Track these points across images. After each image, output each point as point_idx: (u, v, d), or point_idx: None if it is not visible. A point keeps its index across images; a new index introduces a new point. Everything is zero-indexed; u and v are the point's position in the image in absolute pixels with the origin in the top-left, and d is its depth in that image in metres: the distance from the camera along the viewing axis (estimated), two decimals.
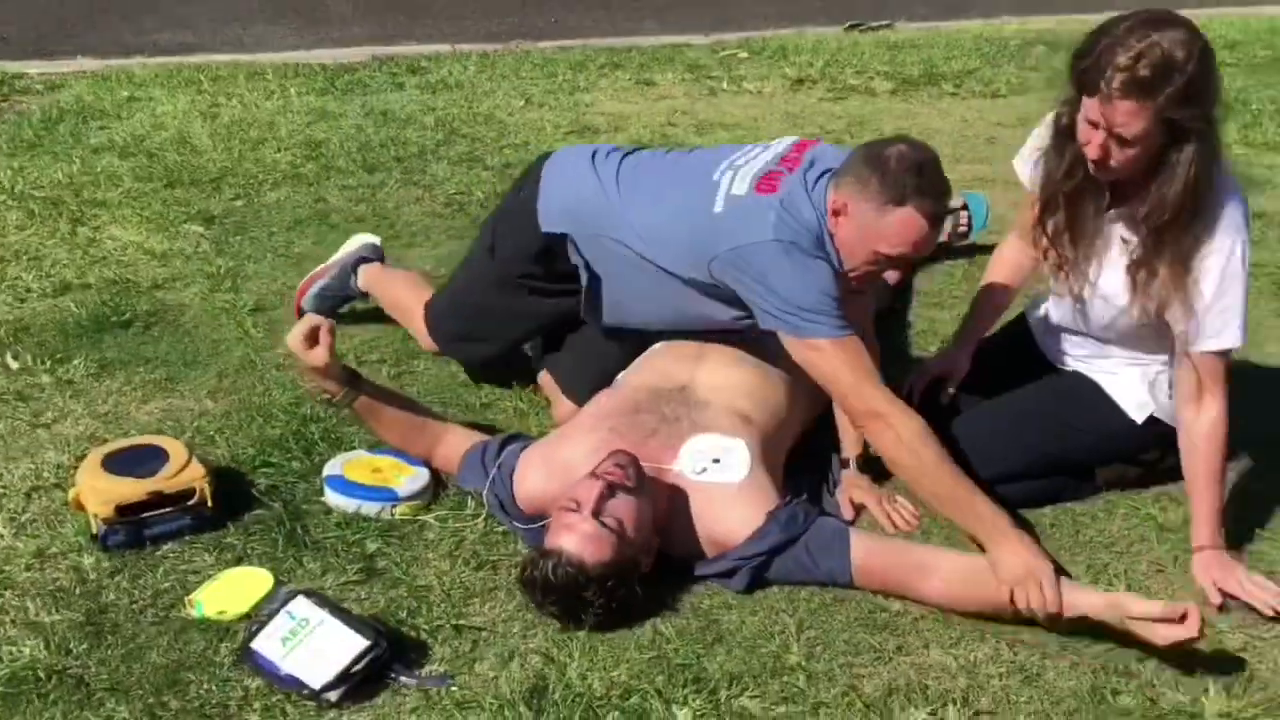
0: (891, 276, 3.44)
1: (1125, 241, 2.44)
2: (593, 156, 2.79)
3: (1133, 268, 2.41)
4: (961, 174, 4.58)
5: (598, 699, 2.07)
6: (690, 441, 2.45)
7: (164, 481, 2.48)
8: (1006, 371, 2.74)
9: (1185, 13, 2.25)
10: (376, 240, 3.39)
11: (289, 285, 3.58)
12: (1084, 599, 2.19)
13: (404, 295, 3.21)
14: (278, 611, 2.18)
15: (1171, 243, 2.33)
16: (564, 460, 2.47)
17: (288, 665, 2.10)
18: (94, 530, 2.44)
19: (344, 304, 3.35)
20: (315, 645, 2.12)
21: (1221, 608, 2.31)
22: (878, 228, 2.35)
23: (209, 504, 2.51)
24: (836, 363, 2.37)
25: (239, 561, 2.44)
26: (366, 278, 3.27)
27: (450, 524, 2.55)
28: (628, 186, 2.69)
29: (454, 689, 2.11)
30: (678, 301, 2.62)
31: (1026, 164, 2.63)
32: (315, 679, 2.08)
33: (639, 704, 2.06)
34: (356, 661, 2.09)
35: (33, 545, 2.46)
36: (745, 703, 2.09)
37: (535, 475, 2.49)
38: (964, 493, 2.30)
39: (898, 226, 2.34)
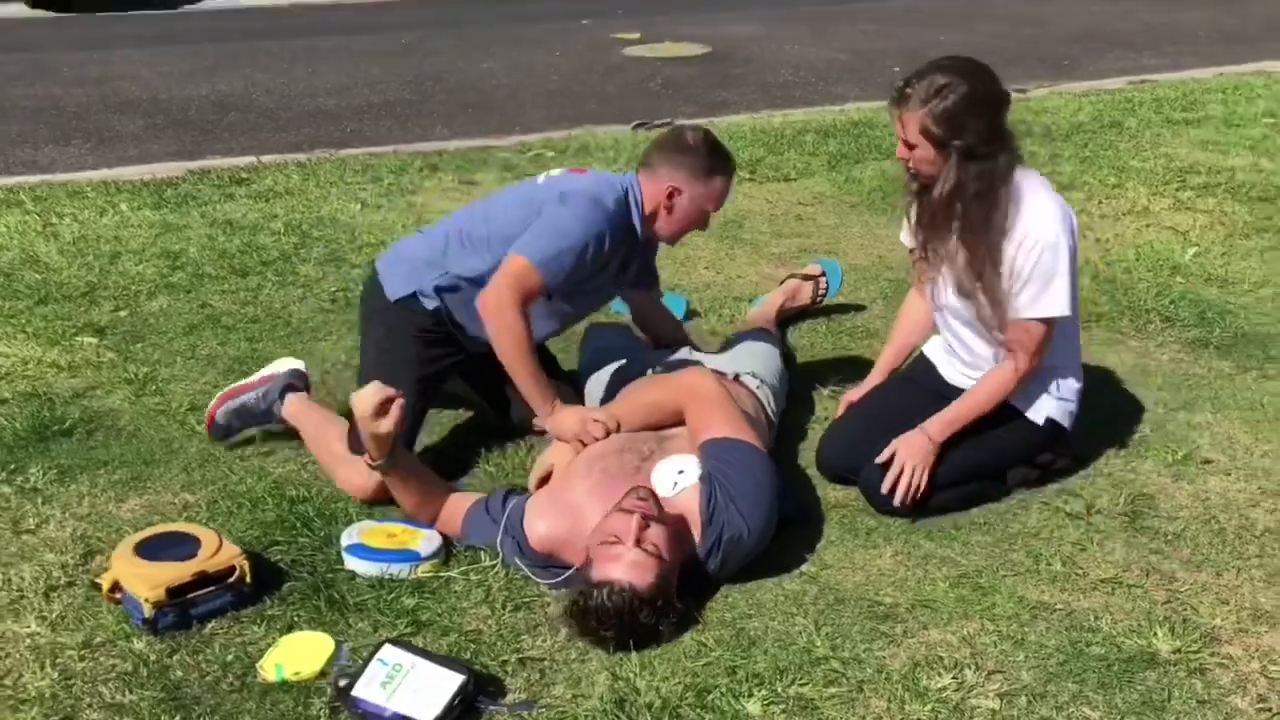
0: None
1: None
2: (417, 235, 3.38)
3: (959, 282, 2.95)
4: (787, 246, 5.10)
5: (676, 703, 2.35)
6: (655, 469, 2.80)
7: (206, 561, 2.61)
8: (924, 401, 3.18)
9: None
10: (301, 365, 3.46)
11: (213, 384, 3.70)
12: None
13: (334, 443, 3.17)
14: (369, 661, 2.36)
15: (978, 247, 2.89)
16: (570, 502, 2.76)
17: (394, 706, 2.28)
18: (146, 615, 2.53)
19: (260, 426, 3.38)
20: (414, 686, 2.32)
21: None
22: (705, 194, 3.15)
23: (248, 580, 2.65)
24: (510, 272, 2.98)
25: (290, 628, 2.58)
26: (292, 409, 3.32)
27: (472, 576, 2.77)
28: (454, 225, 3.25)
29: (541, 712, 2.33)
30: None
31: (905, 228, 3.15)
32: (424, 715, 2.27)
33: (715, 701, 2.35)
34: (457, 695, 2.30)
35: (77, 638, 2.54)
36: (799, 690, 2.41)
37: (545, 519, 2.76)
38: (527, 372, 3.01)
39: (718, 189, 3.17)
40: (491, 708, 2.35)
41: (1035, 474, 3.17)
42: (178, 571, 2.57)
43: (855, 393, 3.35)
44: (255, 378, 3.42)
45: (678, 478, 2.74)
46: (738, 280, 4.74)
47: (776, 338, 3.77)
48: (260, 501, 3.06)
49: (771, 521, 2.71)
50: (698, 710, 2.33)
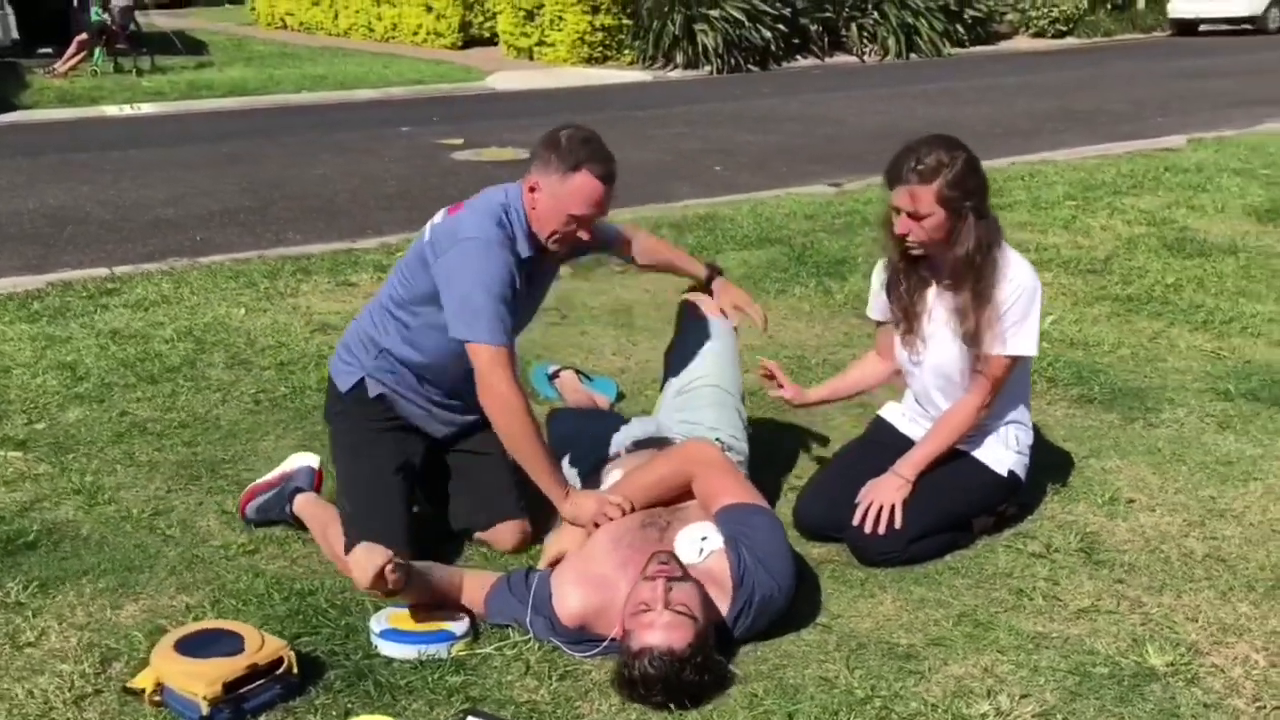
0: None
1: (951, 313, 3.27)
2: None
3: (970, 336, 3.23)
4: None
5: None
6: (678, 538, 2.95)
7: (255, 655, 2.60)
8: (895, 459, 3.42)
9: None
10: (314, 461, 3.49)
11: (165, 490, 3.66)
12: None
13: (336, 544, 3.16)
14: None
15: (979, 297, 3.18)
16: (599, 575, 2.87)
17: None
18: (204, 713, 2.51)
19: (279, 524, 3.42)
20: None
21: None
22: (565, 193, 2.96)
23: (294, 671, 2.65)
24: (478, 360, 3.00)
25: (346, 714, 2.60)
26: (300, 508, 3.36)
27: (507, 651, 2.84)
28: (376, 300, 3.36)
29: None
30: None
31: (873, 304, 3.43)
32: None
33: None
34: None
35: None
36: None
37: (575, 593, 2.85)
38: (537, 458, 3.04)
39: (579, 188, 2.95)
40: None
41: (992, 521, 3.44)
42: (231, 666, 2.55)
43: (791, 390, 3.61)
44: (273, 475, 3.47)
45: (702, 544, 2.88)
46: (649, 364, 4.92)
47: (724, 330, 3.67)
48: (265, 597, 3.05)
49: (794, 579, 2.88)
50: None
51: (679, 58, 17.76)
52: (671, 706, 2.60)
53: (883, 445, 3.49)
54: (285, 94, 14.57)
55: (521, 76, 16.72)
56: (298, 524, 3.36)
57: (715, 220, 7.46)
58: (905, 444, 3.46)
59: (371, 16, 22.65)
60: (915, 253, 3.22)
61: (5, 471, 3.82)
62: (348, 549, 3.02)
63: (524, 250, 3.09)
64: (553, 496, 3.08)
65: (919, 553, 3.24)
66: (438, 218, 3.21)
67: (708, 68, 17.67)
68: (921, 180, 3.09)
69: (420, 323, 3.17)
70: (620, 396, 4.46)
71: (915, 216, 3.13)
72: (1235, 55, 19.30)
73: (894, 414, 3.58)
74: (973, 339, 3.21)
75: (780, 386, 3.58)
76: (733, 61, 17.79)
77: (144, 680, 2.64)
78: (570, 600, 2.83)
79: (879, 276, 3.45)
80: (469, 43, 20.68)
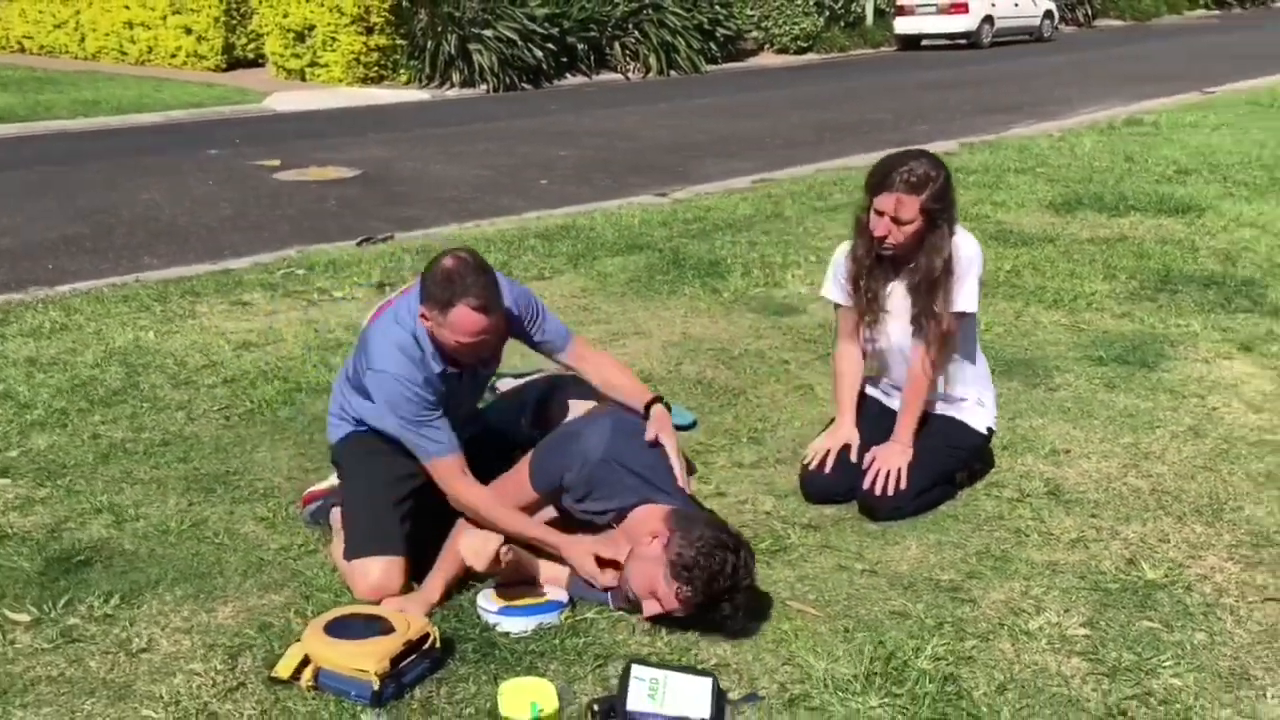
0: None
1: (905, 298, 3.68)
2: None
3: (915, 317, 3.64)
4: (594, 332, 5.63)
5: (862, 676, 2.85)
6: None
7: (411, 632, 2.79)
8: (886, 428, 3.85)
9: None
10: None
11: (185, 504, 3.74)
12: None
13: (337, 548, 3.34)
14: (626, 683, 2.68)
15: (937, 289, 3.61)
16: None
17: (669, 711, 2.62)
18: (375, 687, 2.69)
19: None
20: (675, 692, 2.66)
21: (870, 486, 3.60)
22: (448, 325, 3.07)
23: (439, 645, 2.86)
24: (435, 471, 3.22)
25: (496, 680, 2.83)
26: (335, 518, 3.50)
27: (607, 614, 3.11)
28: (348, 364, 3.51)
29: (769, 700, 2.75)
30: None
31: (834, 288, 3.83)
32: (700, 712, 2.63)
33: (906, 661, 2.87)
34: (714, 693, 2.68)
35: None
36: (953, 646, 2.97)
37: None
38: (522, 527, 3.16)
39: (458, 322, 3.05)
40: (728, 705, 2.72)
41: (965, 475, 3.91)
42: (391, 644, 2.73)
43: (829, 439, 3.86)
44: (323, 485, 3.60)
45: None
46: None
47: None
48: (348, 589, 3.20)
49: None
50: (912, 666, 2.82)
51: (455, 77, 17.96)
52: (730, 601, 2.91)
53: (873, 417, 3.90)
54: (61, 120, 13.99)
55: (300, 97, 16.54)
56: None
57: (576, 230, 7.77)
58: (889, 414, 3.88)
59: (124, 39, 21.79)
60: (887, 252, 3.64)
61: (6, 497, 3.77)
62: (347, 556, 3.23)
63: (436, 366, 3.21)
64: (550, 548, 3.21)
65: (921, 506, 3.67)
66: (364, 321, 3.45)
67: (484, 86, 17.94)
68: (910, 190, 3.49)
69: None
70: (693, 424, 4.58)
71: (898, 221, 3.53)
72: (959, 68, 20.98)
73: (875, 392, 4.00)
74: (920, 312, 3.63)
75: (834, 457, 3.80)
76: (507, 80, 18.12)
77: (288, 668, 2.77)
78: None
79: (841, 265, 3.82)
80: (233, 65, 20.22)
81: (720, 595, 2.87)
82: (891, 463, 3.62)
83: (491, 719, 2.66)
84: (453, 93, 17.71)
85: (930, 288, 3.54)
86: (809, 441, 4.02)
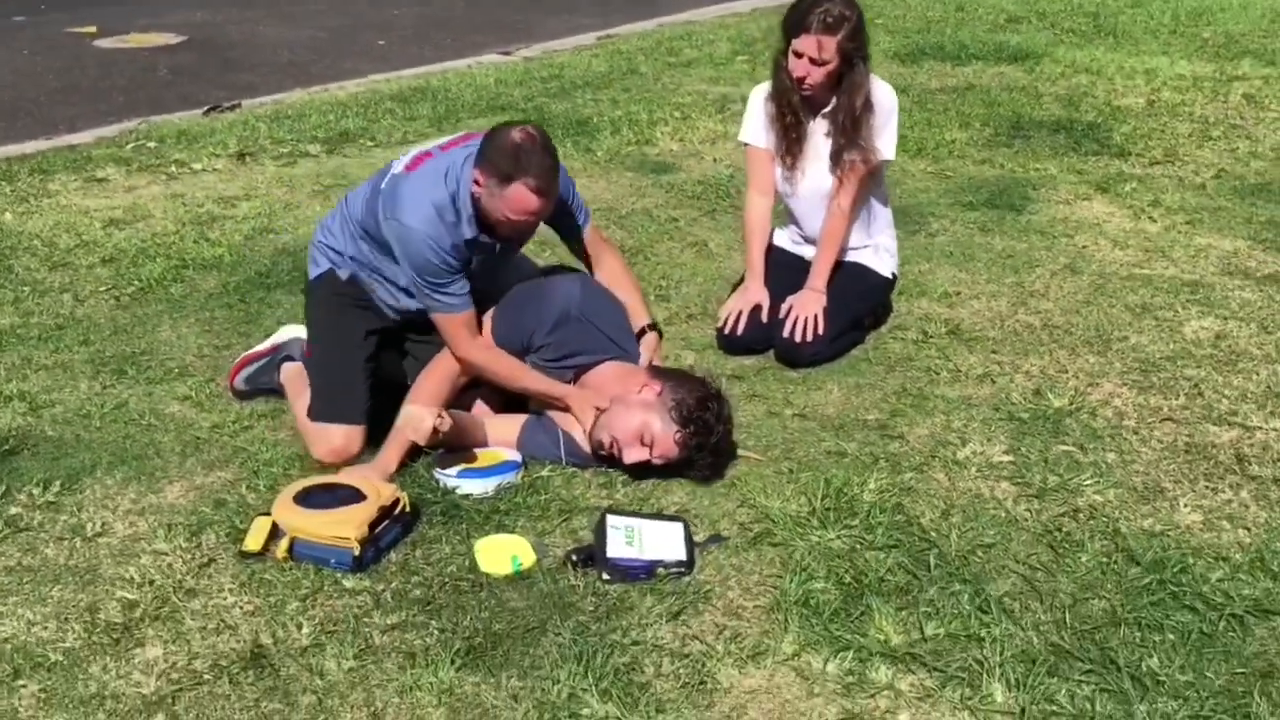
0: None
1: (826, 138, 3.78)
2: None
3: (835, 154, 3.75)
4: None
5: (818, 512, 3.01)
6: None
7: (383, 499, 2.83)
8: (795, 276, 3.98)
9: None
10: (304, 333, 3.53)
11: (99, 387, 3.67)
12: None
13: (302, 408, 3.31)
14: (603, 533, 2.78)
15: (860, 126, 3.72)
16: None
17: (648, 556, 2.73)
18: (356, 553, 2.73)
19: (269, 393, 3.52)
20: (651, 538, 2.78)
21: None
22: (502, 199, 2.99)
23: (408, 509, 2.90)
24: (445, 328, 3.18)
25: (469, 538, 2.90)
26: (285, 375, 3.47)
27: (560, 471, 3.20)
28: (341, 207, 3.41)
29: (729, 540, 2.89)
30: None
31: (753, 131, 3.90)
32: (677, 555, 2.75)
33: (852, 495, 3.04)
34: (688, 536, 2.81)
35: (291, 599, 2.69)
36: (892, 479, 3.16)
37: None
38: (530, 383, 3.23)
39: (514, 198, 2.98)
40: (697, 547, 2.85)
41: (870, 319, 4.09)
42: (367, 511, 2.76)
43: (741, 299, 3.95)
44: (264, 346, 3.52)
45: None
46: None
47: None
48: (304, 461, 3.21)
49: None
50: (859, 500, 2.99)
51: None
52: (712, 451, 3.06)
53: (781, 265, 4.01)
54: None
55: None
56: (282, 392, 3.48)
57: (431, 91, 7.62)
58: (799, 262, 4.01)
59: None
60: (806, 94, 3.72)
61: None
62: (313, 417, 3.24)
63: (468, 233, 3.10)
64: (556, 400, 3.24)
65: (837, 350, 3.83)
66: (398, 166, 3.20)
67: None
68: (827, 30, 3.56)
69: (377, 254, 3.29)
70: None
71: (816, 62, 3.61)
72: None
73: (783, 239, 4.11)
74: (841, 149, 3.74)
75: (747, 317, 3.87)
76: None
77: (257, 541, 2.78)
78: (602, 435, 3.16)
79: (759, 107, 3.88)
80: None
81: (709, 442, 2.98)
82: (808, 310, 3.75)
83: (472, 575, 2.71)
84: None
85: (853, 125, 3.64)
86: (715, 296, 4.12)
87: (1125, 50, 8.60)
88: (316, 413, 3.21)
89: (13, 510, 2.99)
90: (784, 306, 3.80)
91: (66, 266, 4.68)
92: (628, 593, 2.66)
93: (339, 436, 3.17)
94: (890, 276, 4.00)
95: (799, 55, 3.59)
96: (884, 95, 3.70)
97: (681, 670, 2.41)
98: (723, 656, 2.45)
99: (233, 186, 5.77)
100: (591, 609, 2.61)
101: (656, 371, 3.17)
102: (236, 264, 4.69)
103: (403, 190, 3.11)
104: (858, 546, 2.81)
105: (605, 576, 2.69)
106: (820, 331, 3.73)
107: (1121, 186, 5.54)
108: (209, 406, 3.53)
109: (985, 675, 2.37)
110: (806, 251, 4.03)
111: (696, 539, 2.86)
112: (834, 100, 3.69)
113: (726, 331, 3.84)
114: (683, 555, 2.72)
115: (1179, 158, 6.05)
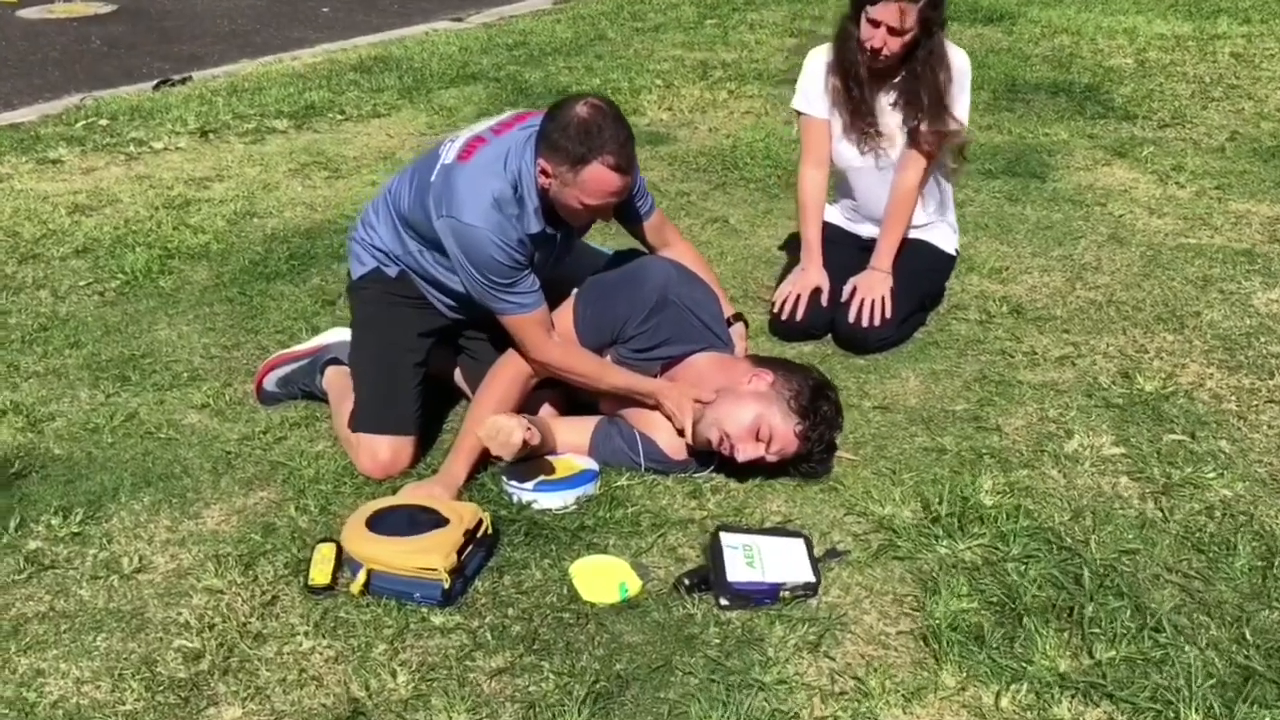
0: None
1: (893, 107, 3.51)
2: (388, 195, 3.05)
3: (911, 128, 3.47)
4: None
5: (941, 518, 2.75)
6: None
7: (465, 521, 2.52)
8: (852, 257, 3.70)
9: None
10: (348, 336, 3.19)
11: (101, 396, 3.30)
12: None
13: (345, 417, 2.98)
14: (719, 553, 2.49)
15: (941, 99, 3.45)
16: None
17: (773, 578, 2.45)
18: (446, 586, 2.41)
19: (304, 397, 3.18)
20: (772, 557, 2.50)
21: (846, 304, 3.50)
22: (577, 184, 2.66)
23: (490, 531, 2.59)
24: (517, 330, 2.84)
25: (558, 562, 2.60)
26: (329, 379, 3.13)
27: (639, 478, 2.90)
28: (385, 198, 3.05)
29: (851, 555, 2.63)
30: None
31: (811, 100, 3.60)
32: (804, 576, 2.47)
33: (960, 490, 2.79)
34: (810, 553, 2.53)
35: (376, 642, 2.37)
36: (1006, 469, 2.90)
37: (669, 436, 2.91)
38: (615, 379, 2.90)
39: (591, 180, 2.65)
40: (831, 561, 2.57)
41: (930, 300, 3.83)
42: (452, 536, 2.46)
43: (798, 282, 3.64)
44: (305, 346, 3.17)
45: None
46: None
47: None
48: (346, 478, 2.88)
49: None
50: (975, 503, 2.73)
51: None
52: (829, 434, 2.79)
53: (835, 243, 3.73)
54: None
55: None
56: (321, 398, 3.14)
57: (393, 61, 7.23)
58: (854, 240, 3.74)
59: None
60: (880, 65, 3.43)
61: None
62: (355, 427, 2.91)
63: (533, 227, 2.78)
64: (645, 396, 2.91)
65: (903, 334, 3.57)
66: (448, 154, 2.83)
67: None
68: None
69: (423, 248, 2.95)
70: None
71: (896, 31, 3.31)
72: None
73: (835, 215, 3.83)
74: (919, 123, 3.47)
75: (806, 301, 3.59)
76: None
77: (323, 573, 2.47)
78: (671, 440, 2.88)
79: (819, 75, 3.58)
80: None
81: (830, 435, 2.73)
82: (875, 291, 3.49)
83: (574, 605, 2.41)
84: None
85: (934, 99, 3.36)
86: (750, 277, 3.85)
87: (1098, 10, 8.43)
88: (361, 423, 2.88)
89: (32, 545, 2.63)
90: (847, 289, 3.52)
91: (37, 259, 4.26)
92: (752, 620, 2.38)
93: (385, 449, 2.84)
94: (954, 253, 3.74)
95: (876, 24, 3.29)
96: (959, 61, 3.43)
97: (840, 713, 2.15)
98: (881, 694, 2.18)
99: (200, 166, 5.36)
100: (718, 641, 2.32)
101: (758, 360, 2.87)
102: (226, 252, 4.30)
103: (457, 183, 2.75)
104: (993, 558, 2.56)
105: (724, 602, 2.41)
106: (889, 315, 3.46)
107: (1138, 151, 5.35)
108: (231, 415, 3.17)
109: (1180, 705, 2.13)
110: (863, 229, 3.76)
111: (817, 554, 2.57)
112: (903, 70, 3.40)
113: (785, 317, 3.55)
114: (810, 576, 2.44)
115: (1187, 120, 5.87)
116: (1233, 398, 3.25)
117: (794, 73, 3.74)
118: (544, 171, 2.71)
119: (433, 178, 2.81)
